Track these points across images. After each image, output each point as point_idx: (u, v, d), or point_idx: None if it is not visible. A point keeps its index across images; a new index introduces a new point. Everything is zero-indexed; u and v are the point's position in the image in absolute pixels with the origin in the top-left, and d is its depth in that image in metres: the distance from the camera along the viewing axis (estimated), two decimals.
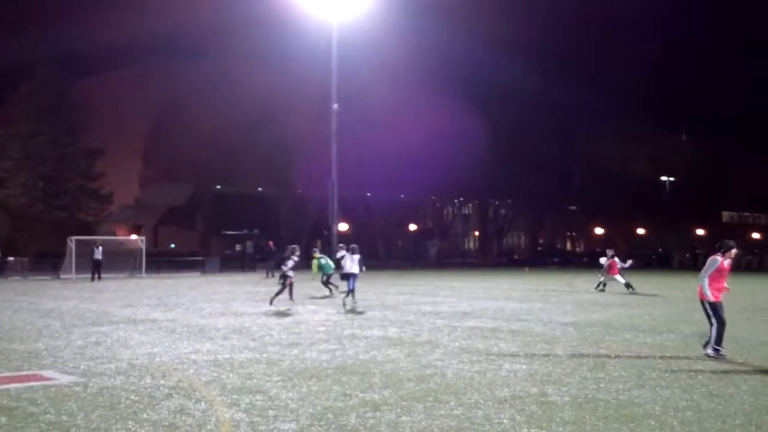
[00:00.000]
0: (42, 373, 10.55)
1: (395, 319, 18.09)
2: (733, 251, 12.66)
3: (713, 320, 12.19)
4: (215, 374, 10.39)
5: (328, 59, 43.00)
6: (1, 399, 8.74)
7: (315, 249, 29.09)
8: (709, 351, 12.13)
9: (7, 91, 60.94)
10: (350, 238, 65.04)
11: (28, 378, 10.22)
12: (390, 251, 76.79)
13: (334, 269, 26.45)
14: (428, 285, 34.09)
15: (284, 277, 22.20)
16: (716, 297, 12.28)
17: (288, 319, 17.90)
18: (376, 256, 66.44)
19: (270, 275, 40.33)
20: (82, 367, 11.00)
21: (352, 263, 22.39)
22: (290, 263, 22.14)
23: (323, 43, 48.24)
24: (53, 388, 9.45)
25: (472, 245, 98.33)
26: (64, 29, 66.44)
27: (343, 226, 61.10)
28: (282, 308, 20.86)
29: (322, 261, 26.92)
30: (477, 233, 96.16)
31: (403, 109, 63.84)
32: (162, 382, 9.84)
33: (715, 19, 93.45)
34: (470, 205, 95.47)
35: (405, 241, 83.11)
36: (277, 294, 21.91)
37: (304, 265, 26.40)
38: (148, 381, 9.89)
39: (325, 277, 26.65)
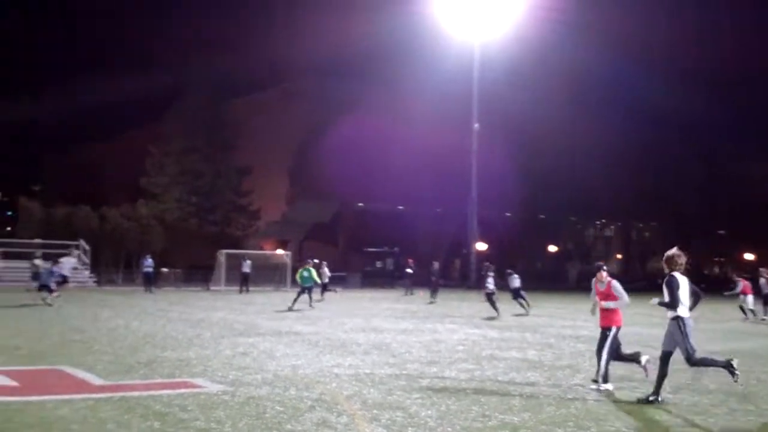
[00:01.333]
0: (192, 381, 11.00)
1: (534, 341, 17.93)
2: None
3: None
4: (357, 388, 10.62)
5: (469, 79, 43.23)
6: (155, 404, 9.16)
7: (309, 260, 30.04)
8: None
9: (165, 110, 64.44)
10: (488, 257, 64.90)
11: (179, 385, 10.70)
12: (529, 272, 75.81)
13: (315, 283, 28.72)
14: (568, 308, 33.50)
15: (489, 294, 25.08)
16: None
17: (427, 337, 18.05)
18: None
19: (409, 293, 40.64)
20: (230, 376, 11.41)
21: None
22: (490, 281, 25.02)
23: (465, 64, 48.56)
24: (203, 396, 9.81)
25: (613, 268, 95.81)
26: (218, 51, 69.63)
27: (481, 245, 60.87)
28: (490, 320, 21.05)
29: (304, 273, 28.22)
30: (619, 256, 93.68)
31: (544, 129, 63.18)
32: (305, 394, 10.14)
33: None
34: (612, 226, 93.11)
35: (544, 262, 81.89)
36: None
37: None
38: (293, 392, 10.20)
39: (301, 289, 27.98)
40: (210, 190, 61.78)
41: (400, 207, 71.52)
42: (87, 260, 44.15)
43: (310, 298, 28.11)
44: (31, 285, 33.32)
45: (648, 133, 71.32)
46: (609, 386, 11.10)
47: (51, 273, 26.68)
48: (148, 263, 39.09)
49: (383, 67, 66.02)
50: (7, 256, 39.90)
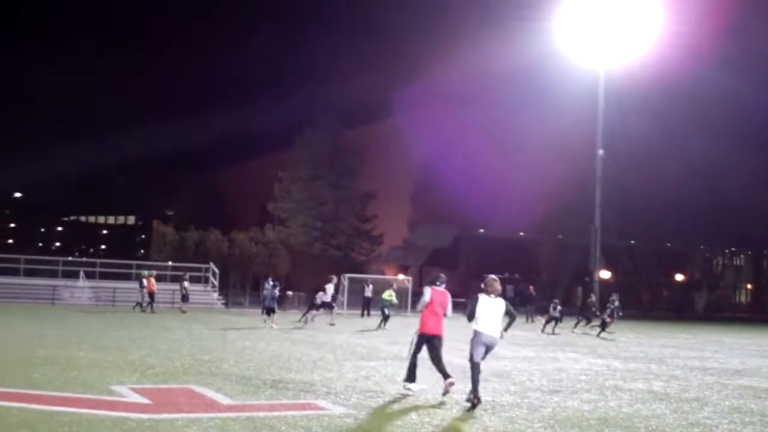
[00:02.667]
0: (316, 403, 11.25)
1: (660, 372, 17.52)
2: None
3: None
4: (477, 416, 10.70)
5: (593, 106, 42.73)
6: (280, 425, 9.39)
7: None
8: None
9: (292, 137, 66.40)
10: (613, 286, 63.50)
11: (303, 406, 10.99)
12: (654, 301, 73.66)
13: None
14: (695, 338, 32.45)
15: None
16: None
17: (549, 366, 17.91)
18: (640, 305, 64.03)
19: (530, 320, 40.28)
20: (352, 399, 11.63)
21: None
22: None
23: (589, 91, 48.01)
24: (326, 418, 10.03)
25: (743, 299, 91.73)
26: (344, 82, 71.33)
27: (605, 274, 59.67)
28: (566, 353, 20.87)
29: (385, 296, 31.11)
30: (750, 286, 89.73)
31: (671, 157, 61.59)
32: (426, 419, 10.27)
33: None
34: (743, 255, 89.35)
35: (670, 291, 79.34)
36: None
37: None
38: (414, 417, 10.35)
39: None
40: (334, 216, 63.06)
41: (522, 233, 70.91)
42: (216, 282, 45.70)
43: (384, 320, 30.17)
44: (183, 305, 35.43)
45: None
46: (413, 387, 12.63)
47: (273, 297, 29.12)
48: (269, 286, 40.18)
49: (506, 95, 65.88)
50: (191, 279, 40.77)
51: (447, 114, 71.89)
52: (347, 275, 44.21)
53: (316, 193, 62.61)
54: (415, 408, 11.12)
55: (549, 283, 66.65)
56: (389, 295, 31.40)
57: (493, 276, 12.66)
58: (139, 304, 35.68)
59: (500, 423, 10.21)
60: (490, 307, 12.21)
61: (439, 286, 13.19)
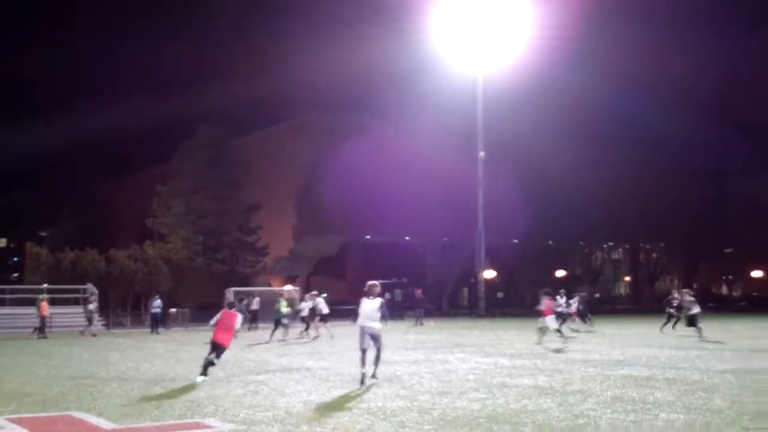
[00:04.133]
0: (204, 421, 10.96)
1: (545, 367, 17.89)
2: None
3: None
4: (369, 422, 10.61)
5: (472, 110, 43.50)
6: None
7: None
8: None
9: (170, 149, 64.89)
10: (497, 286, 64.82)
11: (190, 426, 10.69)
12: (538, 298, 75.56)
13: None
14: (578, 332, 33.38)
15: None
16: None
17: (438, 368, 18.03)
18: (524, 303, 65.57)
19: (419, 323, 40.56)
20: (241, 415, 11.39)
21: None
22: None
23: (469, 94, 48.88)
24: None
25: (623, 291, 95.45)
26: (222, 88, 70.27)
27: (489, 274, 60.82)
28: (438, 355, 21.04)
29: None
30: (628, 278, 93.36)
31: (548, 156, 63.35)
32: (318, 429, 10.14)
33: None
34: (620, 249, 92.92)
35: (553, 287, 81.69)
36: None
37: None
38: (305, 428, 10.20)
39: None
40: (216, 229, 61.91)
41: (407, 238, 71.53)
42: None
43: (285, 331, 30.06)
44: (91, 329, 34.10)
45: (656, 154, 71.56)
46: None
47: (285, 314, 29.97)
48: (157, 303, 39.28)
49: (388, 100, 66.39)
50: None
51: (329, 121, 71.91)
52: (232, 289, 43.48)
53: (197, 206, 61.28)
54: (306, 419, 10.94)
55: (436, 286, 67.48)
56: (284, 306, 30.97)
57: (371, 282, 15.96)
58: (37, 329, 34.28)
59: (391, 428, 10.15)
60: (368, 306, 15.39)
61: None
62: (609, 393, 13.28)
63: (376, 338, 15.36)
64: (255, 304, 39.54)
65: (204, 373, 15.79)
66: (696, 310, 28.41)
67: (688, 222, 75.84)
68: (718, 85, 76.29)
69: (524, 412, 11.29)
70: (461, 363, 19.14)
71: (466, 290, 74.30)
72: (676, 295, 33.49)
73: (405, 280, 62.10)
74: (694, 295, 29.58)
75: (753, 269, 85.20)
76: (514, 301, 67.35)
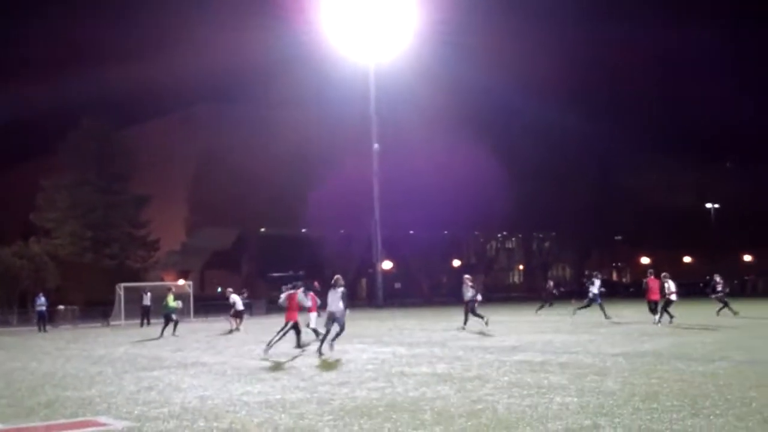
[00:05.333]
0: (97, 419, 10.65)
1: (443, 355, 18.05)
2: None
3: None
4: (267, 415, 10.45)
5: (367, 101, 43.51)
6: None
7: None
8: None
9: (54, 141, 62.47)
10: (395, 276, 65.17)
11: (83, 424, 10.35)
12: (435, 287, 76.51)
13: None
14: (475, 320, 33.85)
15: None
16: None
17: (337, 358, 17.95)
18: (421, 293, 66.27)
19: (319, 315, 40.25)
20: (135, 412, 11.10)
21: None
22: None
23: (362, 85, 48.88)
24: None
25: (517, 279, 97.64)
26: (108, 78, 68.09)
27: (387, 264, 61.13)
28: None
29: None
30: (521, 267, 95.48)
31: (443, 147, 64.02)
32: (215, 424, 9.92)
33: (758, 50, 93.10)
34: (514, 239, 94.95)
35: (449, 277, 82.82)
36: None
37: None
38: (201, 424, 9.97)
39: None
40: (104, 223, 60.05)
41: (304, 230, 71.22)
42: None
43: (174, 327, 29.19)
44: None
45: (547, 146, 73.23)
46: None
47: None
48: (41, 302, 37.92)
49: (281, 91, 65.63)
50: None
51: (223, 112, 70.82)
52: (123, 285, 42.33)
53: (83, 199, 59.23)
54: (203, 415, 10.67)
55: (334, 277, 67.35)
56: (171, 300, 30.23)
57: (337, 275, 20.15)
58: None
59: (290, 420, 10.01)
60: (333, 296, 19.15)
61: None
62: (505, 378, 13.47)
63: (336, 319, 19.00)
64: (147, 299, 38.52)
65: (301, 345, 19.88)
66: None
67: (578, 211, 78.00)
68: (605, 77, 78.79)
69: (423, 400, 11.32)
70: (360, 353, 19.11)
71: (364, 281, 74.49)
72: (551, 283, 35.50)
73: (302, 272, 61.75)
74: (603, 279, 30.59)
75: (641, 256, 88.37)
76: (411, 291, 67.98)
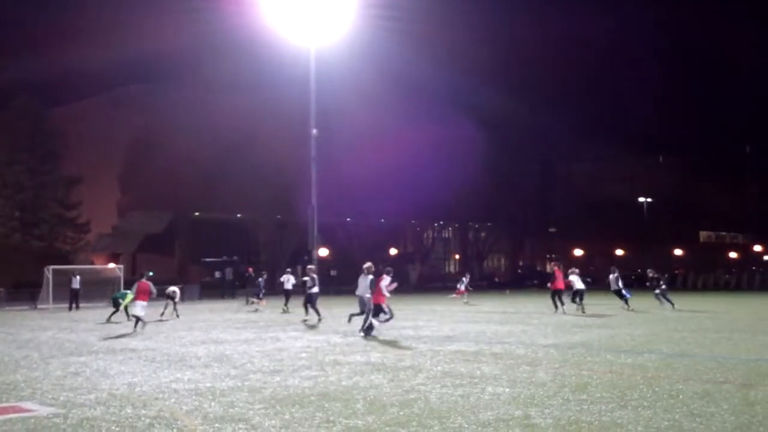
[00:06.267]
0: (21, 405, 10.41)
1: (378, 344, 18.03)
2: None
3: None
4: (197, 403, 10.29)
5: (306, 85, 43.09)
6: None
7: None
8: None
9: None
10: (330, 264, 64.97)
11: (6, 410, 10.08)
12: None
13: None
14: (410, 309, 34.01)
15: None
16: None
17: (269, 346, 17.79)
18: (356, 281, 66.13)
19: (249, 302, 39.95)
20: (61, 398, 10.87)
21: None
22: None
23: (301, 69, 48.35)
24: (32, 420, 9.33)
25: (452, 268, 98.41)
26: (40, 57, 66.36)
27: (323, 252, 60.92)
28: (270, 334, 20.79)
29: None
30: (457, 257, 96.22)
31: (381, 134, 64.04)
32: (143, 412, 9.74)
33: (691, 44, 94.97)
34: (450, 228, 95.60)
35: (385, 265, 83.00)
36: None
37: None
38: (129, 411, 9.78)
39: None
40: (34, 204, 58.60)
41: (239, 215, 70.54)
42: None
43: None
44: None
45: (482, 137, 73.70)
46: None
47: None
48: None
49: (220, 75, 64.71)
50: None
51: (158, 94, 69.59)
52: (51, 267, 41.36)
53: (11, 179, 57.73)
54: (130, 402, 10.45)
55: (269, 264, 66.95)
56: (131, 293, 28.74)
57: (368, 263, 21.80)
58: None
59: (220, 408, 9.87)
60: (363, 282, 21.01)
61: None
62: (439, 368, 13.50)
63: (366, 303, 20.73)
64: (76, 282, 37.68)
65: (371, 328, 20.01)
66: (580, 286, 29.68)
67: (514, 203, 78.87)
68: (544, 69, 79.63)
69: (356, 389, 11.28)
70: (294, 341, 18.99)
71: (300, 268, 74.12)
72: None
73: (236, 258, 61.20)
74: (578, 273, 31.20)
75: (575, 248, 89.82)
76: (347, 279, 67.82)
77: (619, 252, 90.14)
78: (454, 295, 40.72)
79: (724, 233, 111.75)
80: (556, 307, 28.77)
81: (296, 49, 45.13)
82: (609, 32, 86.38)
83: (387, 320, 21.38)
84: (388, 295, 20.76)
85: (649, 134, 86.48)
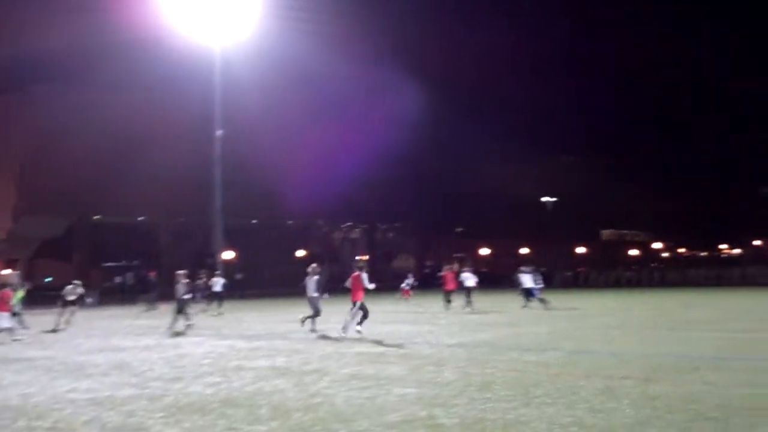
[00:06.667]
0: None
1: (284, 347, 17.81)
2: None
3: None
4: (95, 413, 9.94)
5: (210, 84, 42.45)
6: None
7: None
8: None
9: None
10: (236, 267, 64.08)
11: None
12: (278, 278, 75.91)
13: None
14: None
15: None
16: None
17: (171, 353, 17.36)
18: (264, 283, 65.46)
19: (151, 307, 39.00)
20: None
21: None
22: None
23: (206, 68, 47.61)
24: None
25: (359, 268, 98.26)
26: None
27: (228, 254, 60.07)
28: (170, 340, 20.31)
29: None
30: (366, 257, 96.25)
31: (289, 135, 63.51)
32: (37, 423, 9.37)
33: (592, 44, 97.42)
34: (358, 229, 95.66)
35: (293, 267, 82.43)
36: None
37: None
38: (22, 423, 9.40)
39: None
40: None
41: (140, 218, 68.95)
42: None
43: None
44: None
45: (388, 136, 73.88)
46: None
47: None
48: None
49: (121, 74, 62.93)
50: None
51: (56, 94, 67.37)
52: None
53: None
54: (24, 413, 10.03)
55: (172, 268, 65.61)
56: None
57: (313, 264, 22.52)
58: None
59: (119, 418, 9.56)
60: (310, 283, 21.97)
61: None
62: (345, 371, 13.41)
63: (313, 304, 21.67)
64: None
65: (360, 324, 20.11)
66: (471, 284, 31.53)
67: (421, 203, 79.38)
68: (448, 68, 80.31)
69: (260, 394, 11.10)
70: (196, 347, 18.58)
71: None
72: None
73: (137, 262, 59.80)
74: (471, 271, 32.33)
75: (481, 247, 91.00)
76: (254, 282, 67.10)
77: (524, 251, 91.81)
78: (400, 296, 39.63)
79: (625, 231, 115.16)
80: (447, 306, 30.53)
81: (201, 48, 44.40)
82: (515, 38, 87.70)
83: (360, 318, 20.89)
84: (371, 287, 20.79)
85: (554, 135, 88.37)
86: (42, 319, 28.76)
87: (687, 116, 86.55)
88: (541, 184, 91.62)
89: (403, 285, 40.10)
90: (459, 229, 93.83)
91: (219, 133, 41.35)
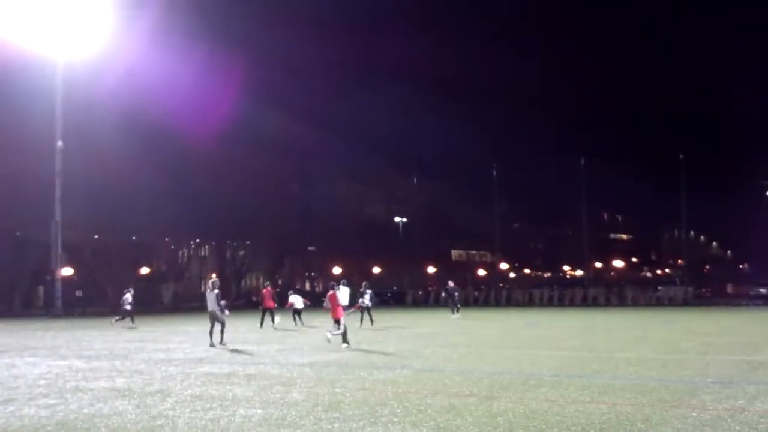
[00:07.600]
0: None
1: (124, 368, 17.11)
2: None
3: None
4: None
5: (52, 96, 40.77)
6: None
7: None
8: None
9: None
10: (76, 283, 61.34)
11: None
12: (119, 296, 73.14)
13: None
14: (162, 330, 32.89)
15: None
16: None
17: (4, 373, 16.36)
18: (106, 301, 62.90)
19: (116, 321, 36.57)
20: None
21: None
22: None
23: (47, 81, 45.75)
24: None
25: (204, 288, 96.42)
26: None
27: (67, 271, 57.51)
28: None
29: None
30: (215, 275, 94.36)
31: (137, 149, 61.38)
32: None
33: (446, 72, 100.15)
34: (207, 246, 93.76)
35: (137, 285, 79.79)
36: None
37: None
38: None
39: None
40: None
41: None
42: None
43: None
44: None
45: (245, 154, 72.98)
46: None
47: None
48: None
49: None
50: None
51: None
52: None
53: None
54: None
55: (6, 284, 62.22)
56: None
57: (213, 278, 23.44)
58: None
59: None
60: (210, 297, 22.49)
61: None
62: (189, 392, 13.01)
63: (216, 317, 22.42)
64: None
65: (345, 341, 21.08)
66: (299, 306, 34.03)
67: (274, 222, 78.69)
68: (308, 86, 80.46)
69: (98, 416, 10.60)
70: (31, 368, 17.59)
71: (42, 289, 69.42)
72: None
73: None
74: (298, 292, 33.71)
75: (334, 266, 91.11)
76: (95, 299, 64.46)
77: (377, 270, 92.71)
78: (352, 310, 37.90)
79: (473, 251, 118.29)
80: (261, 323, 32.08)
81: (42, 60, 42.61)
82: (371, 53, 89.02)
83: (342, 334, 21.43)
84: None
85: (405, 156, 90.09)
86: None
87: (525, 145, 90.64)
88: (394, 204, 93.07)
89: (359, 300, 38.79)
90: (311, 248, 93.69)
91: (60, 144, 39.67)
